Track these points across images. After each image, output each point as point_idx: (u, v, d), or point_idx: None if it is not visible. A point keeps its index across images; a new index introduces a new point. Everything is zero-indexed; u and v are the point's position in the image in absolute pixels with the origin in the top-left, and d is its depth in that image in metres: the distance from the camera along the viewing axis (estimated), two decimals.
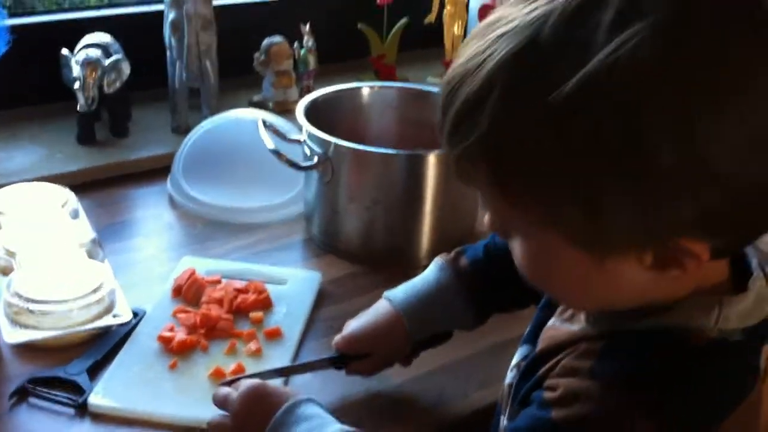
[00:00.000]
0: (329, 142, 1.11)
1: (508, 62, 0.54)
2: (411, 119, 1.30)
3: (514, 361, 0.77)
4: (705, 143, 0.51)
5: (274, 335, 0.99)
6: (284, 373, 0.91)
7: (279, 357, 0.95)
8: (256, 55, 1.58)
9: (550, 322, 0.72)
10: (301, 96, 1.58)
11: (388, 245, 1.15)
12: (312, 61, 1.63)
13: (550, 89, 0.52)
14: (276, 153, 1.13)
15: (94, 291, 0.98)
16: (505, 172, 0.55)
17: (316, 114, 1.20)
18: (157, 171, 1.37)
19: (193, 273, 1.06)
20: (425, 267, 0.93)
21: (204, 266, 1.10)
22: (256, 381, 0.80)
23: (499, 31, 0.55)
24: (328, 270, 1.14)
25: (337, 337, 0.90)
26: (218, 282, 1.06)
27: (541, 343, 0.71)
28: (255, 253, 1.18)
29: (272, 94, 1.58)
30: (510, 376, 0.77)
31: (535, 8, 0.54)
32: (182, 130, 1.42)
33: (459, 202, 1.19)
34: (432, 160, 1.12)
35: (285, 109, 1.53)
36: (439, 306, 0.89)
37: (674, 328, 0.59)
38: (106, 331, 0.97)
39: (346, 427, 0.73)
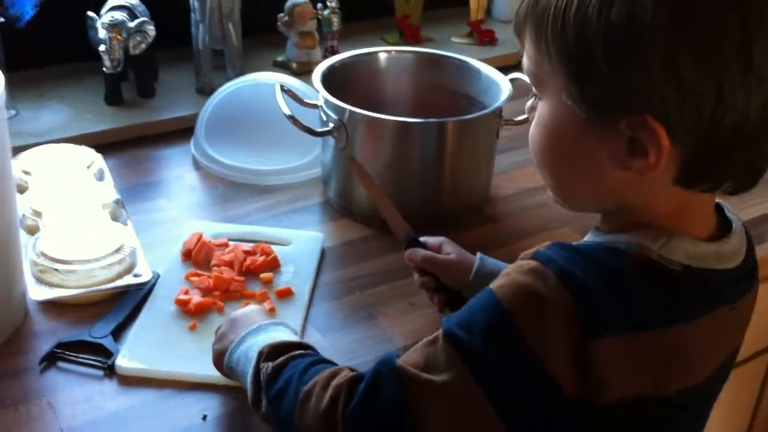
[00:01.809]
0: (344, 109, 1.14)
1: None
2: (427, 84, 1.32)
3: None
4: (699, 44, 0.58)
5: (286, 294, 1.03)
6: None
7: (292, 316, 0.99)
8: (280, 15, 1.59)
9: None
10: (325, 56, 1.60)
11: (401, 210, 1.18)
12: (336, 21, 1.64)
13: None
14: (292, 119, 1.16)
15: (116, 251, 1.03)
16: (540, 27, 0.65)
17: (334, 78, 1.23)
18: (182, 132, 1.41)
19: (200, 237, 1.10)
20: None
21: (210, 230, 1.14)
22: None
23: None
24: (342, 232, 1.18)
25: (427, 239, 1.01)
26: (225, 245, 1.10)
27: None
28: (274, 215, 1.22)
29: (295, 55, 1.60)
30: None
31: None
32: (207, 92, 1.45)
33: (472, 169, 1.21)
34: (447, 127, 1.14)
35: (308, 70, 1.54)
36: None
37: (622, 243, 0.66)
38: (127, 289, 1.02)
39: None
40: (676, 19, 0.58)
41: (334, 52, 1.64)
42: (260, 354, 0.78)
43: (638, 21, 0.59)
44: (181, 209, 1.23)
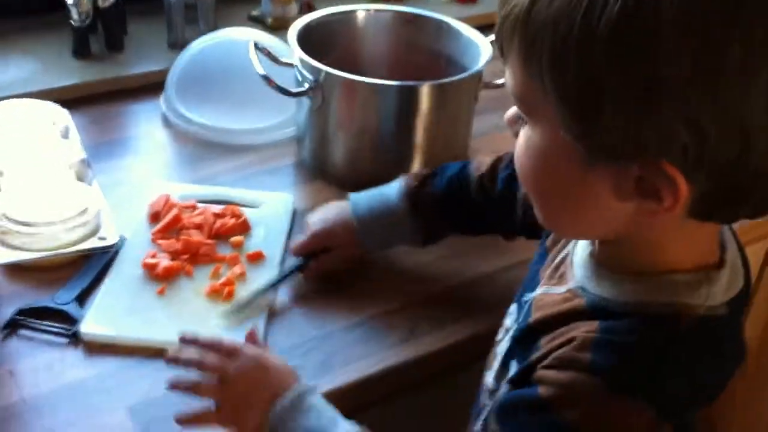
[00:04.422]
0: (320, 70, 1.10)
1: None
2: (405, 43, 1.28)
3: (505, 322, 0.79)
4: (724, 77, 0.51)
5: (257, 258, 1.01)
6: (258, 294, 0.94)
7: (263, 280, 0.97)
8: None
9: (540, 291, 0.73)
10: (301, 11, 1.56)
11: (376, 173, 1.14)
12: None
13: None
14: (266, 78, 1.12)
15: (81, 213, 0.99)
16: (533, 51, 0.57)
17: (310, 37, 1.19)
18: (152, 87, 1.36)
19: (168, 199, 1.06)
20: None
21: (177, 191, 1.10)
22: (257, 352, 0.79)
23: None
24: (315, 194, 1.15)
25: (295, 243, 0.99)
26: (193, 208, 1.06)
27: (534, 313, 0.71)
28: (244, 176, 1.19)
29: (271, 9, 1.55)
30: (500, 336, 0.79)
31: None
32: (179, 46, 1.41)
33: (450, 133, 1.19)
34: (423, 90, 1.11)
35: (283, 25, 1.50)
36: (390, 227, 0.97)
37: (663, 306, 0.62)
38: (92, 253, 0.98)
39: (350, 426, 0.74)
40: (701, 71, 0.51)
41: (310, 8, 1.59)
42: None
43: (657, 73, 0.52)
44: (150, 169, 1.19)
